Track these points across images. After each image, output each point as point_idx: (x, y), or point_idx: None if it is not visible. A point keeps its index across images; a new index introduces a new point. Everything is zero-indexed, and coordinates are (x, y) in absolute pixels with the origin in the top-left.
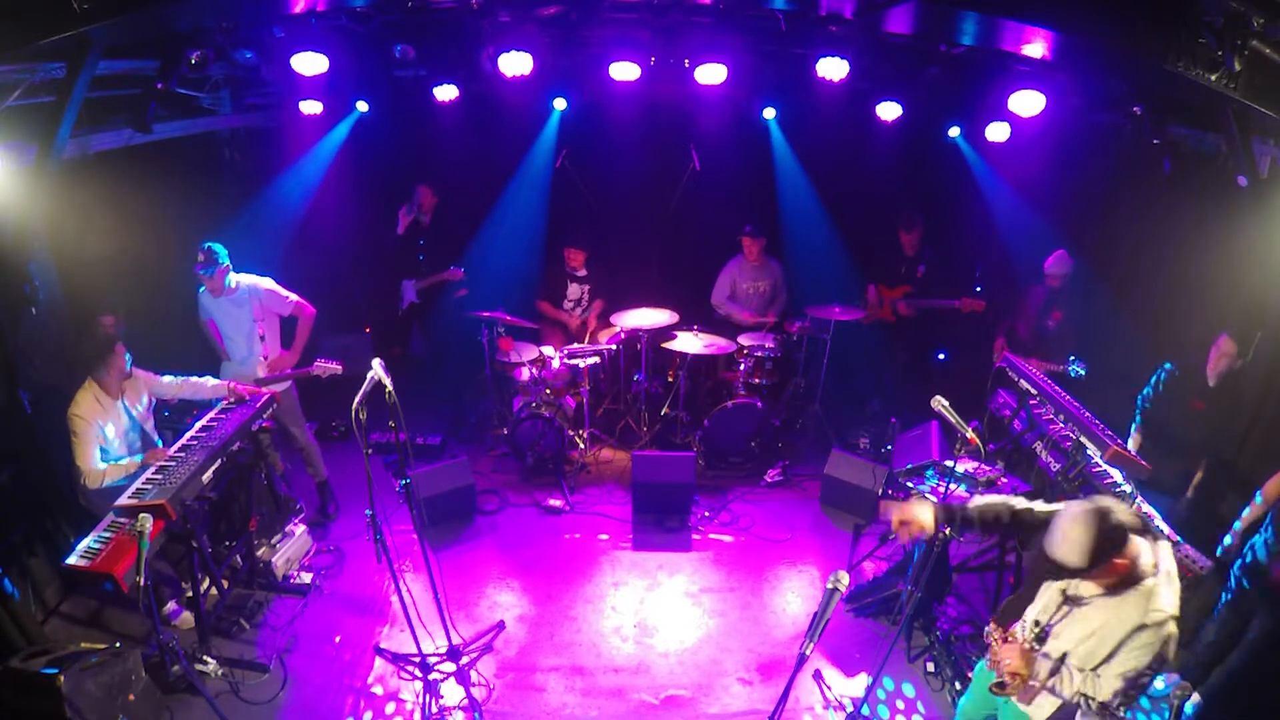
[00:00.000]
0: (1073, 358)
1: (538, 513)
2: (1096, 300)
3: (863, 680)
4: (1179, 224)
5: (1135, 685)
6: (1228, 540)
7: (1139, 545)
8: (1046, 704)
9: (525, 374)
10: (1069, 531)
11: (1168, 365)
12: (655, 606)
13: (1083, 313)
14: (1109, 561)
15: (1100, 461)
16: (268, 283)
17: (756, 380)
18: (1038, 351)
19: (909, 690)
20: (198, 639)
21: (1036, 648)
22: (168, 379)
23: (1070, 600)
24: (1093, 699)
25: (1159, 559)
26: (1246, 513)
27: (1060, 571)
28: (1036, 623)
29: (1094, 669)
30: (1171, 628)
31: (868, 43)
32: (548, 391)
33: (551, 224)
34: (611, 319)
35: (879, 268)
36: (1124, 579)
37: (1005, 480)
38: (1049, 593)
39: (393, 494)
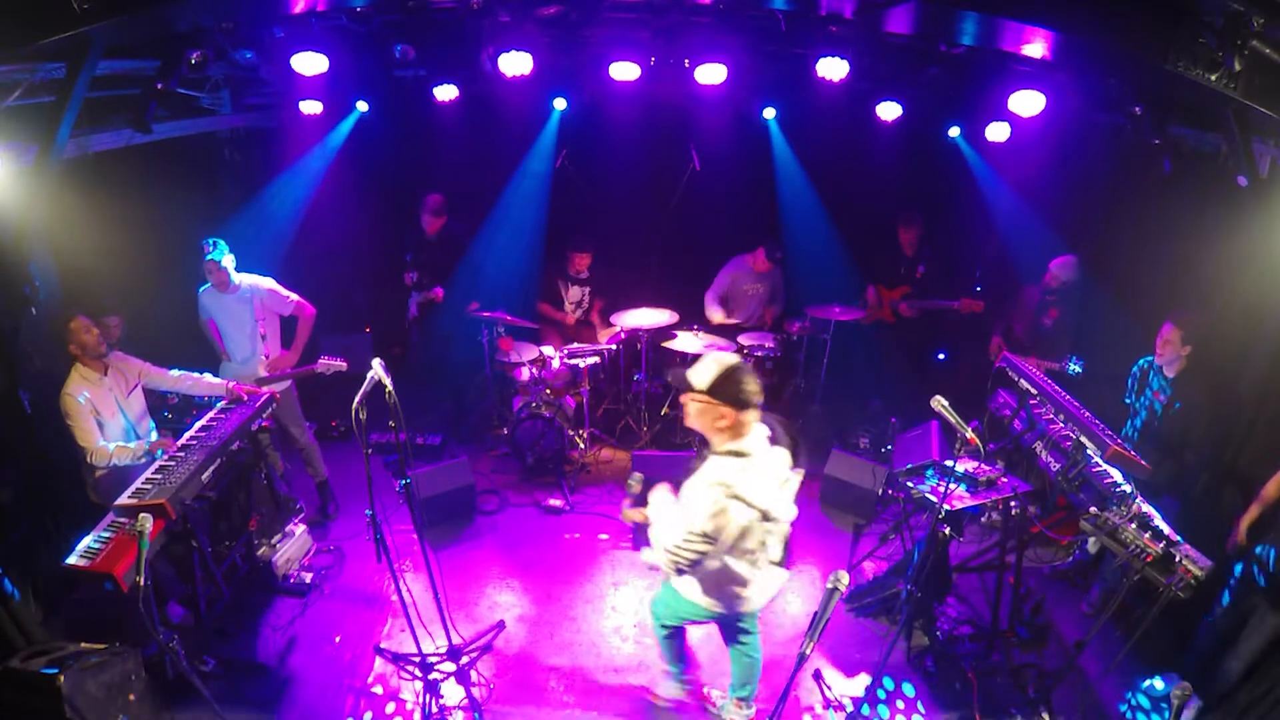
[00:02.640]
0: (1071, 356)
1: (538, 513)
2: (1094, 301)
3: (863, 680)
4: (1179, 224)
5: (689, 545)
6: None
7: (757, 434)
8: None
9: (525, 374)
10: (709, 360)
11: (1142, 361)
12: None
13: (1079, 312)
14: (719, 404)
15: (1100, 461)
16: (269, 282)
17: None
18: (1035, 350)
19: (909, 690)
20: (198, 639)
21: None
22: (171, 372)
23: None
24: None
25: (773, 460)
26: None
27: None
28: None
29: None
30: (719, 499)
31: (868, 43)
32: (548, 391)
33: (552, 224)
34: (611, 319)
35: (878, 268)
36: (724, 445)
37: (1005, 480)
38: None
39: (393, 494)
